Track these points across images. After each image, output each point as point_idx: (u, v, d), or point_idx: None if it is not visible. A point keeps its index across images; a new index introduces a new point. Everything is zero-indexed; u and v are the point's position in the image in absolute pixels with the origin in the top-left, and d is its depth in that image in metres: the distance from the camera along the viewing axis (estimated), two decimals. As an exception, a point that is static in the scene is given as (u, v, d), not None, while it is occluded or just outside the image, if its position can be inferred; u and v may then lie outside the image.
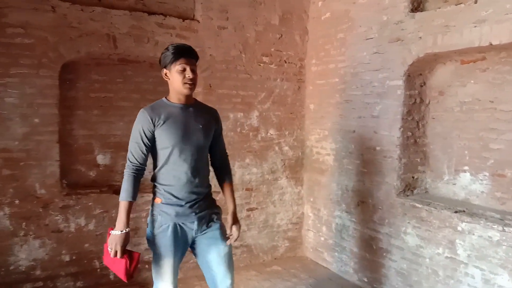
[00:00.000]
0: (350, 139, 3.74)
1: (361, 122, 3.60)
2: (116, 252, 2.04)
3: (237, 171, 3.94)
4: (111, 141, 3.66)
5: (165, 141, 2.12)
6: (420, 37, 3.03)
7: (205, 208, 2.23)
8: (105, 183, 3.63)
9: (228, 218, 2.35)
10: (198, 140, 2.17)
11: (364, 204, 3.59)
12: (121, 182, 3.78)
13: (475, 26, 2.65)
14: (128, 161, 2.19)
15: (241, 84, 3.92)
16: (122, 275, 2.09)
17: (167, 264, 2.15)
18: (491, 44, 2.58)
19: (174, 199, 2.15)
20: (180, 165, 2.14)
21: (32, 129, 3.06)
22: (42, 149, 3.11)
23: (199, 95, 3.78)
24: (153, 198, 2.23)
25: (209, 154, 2.35)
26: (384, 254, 3.40)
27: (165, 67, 2.13)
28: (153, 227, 2.19)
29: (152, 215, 2.21)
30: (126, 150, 3.70)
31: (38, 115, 3.07)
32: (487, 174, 3.00)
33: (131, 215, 3.52)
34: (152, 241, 2.20)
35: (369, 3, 3.49)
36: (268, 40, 4.02)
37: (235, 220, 2.35)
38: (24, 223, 3.09)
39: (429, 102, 3.37)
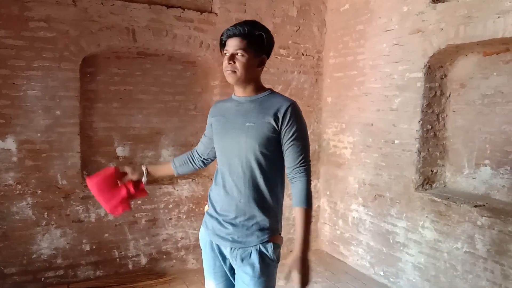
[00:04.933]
0: (368, 132, 3.71)
1: (380, 115, 3.57)
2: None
3: (254, 163, 3.95)
4: (131, 134, 3.71)
5: (214, 140, 1.87)
6: (442, 29, 2.97)
7: (245, 235, 1.72)
8: (124, 174, 3.69)
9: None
10: (240, 141, 1.71)
11: (381, 197, 3.57)
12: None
13: (498, 17, 2.59)
14: None
15: (259, 77, 3.91)
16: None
17: (211, 285, 1.90)
18: (515, 35, 2.52)
19: (214, 212, 1.82)
20: (222, 171, 1.80)
21: (55, 121, 3.12)
22: (64, 141, 3.17)
23: (217, 87, 3.80)
24: None
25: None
26: (401, 248, 3.37)
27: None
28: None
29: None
30: (145, 143, 3.83)
31: (60, 108, 3.13)
32: (509, 168, 2.94)
33: (149, 206, 3.58)
34: None
35: (389, -6, 3.44)
36: (286, 32, 4.00)
37: (296, 262, 1.62)
38: (46, 213, 3.16)
39: (449, 94, 3.31)
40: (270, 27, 3.88)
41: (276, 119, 1.68)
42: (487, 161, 3.08)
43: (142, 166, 2.01)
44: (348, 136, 3.96)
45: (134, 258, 3.53)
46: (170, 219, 3.64)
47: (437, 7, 3.02)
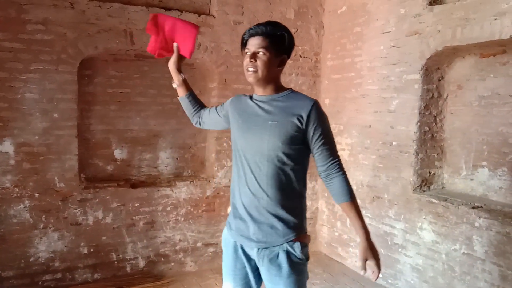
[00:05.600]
0: (366, 134, 3.72)
1: (378, 117, 3.57)
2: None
3: (252, 165, 3.96)
4: (128, 136, 3.71)
5: (233, 136, 1.86)
6: (439, 31, 2.98)
7: (270, 234, 1.71)
8: (122, 177, 3.68)
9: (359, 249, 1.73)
10: (263, 140, 1.70)
11: (379, 199, 3.57)
12: (138, 177, 3.86)
13: (495, 19, 2.60)
14: None
15: (256, 79, 3.91)
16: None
17: (228, 287, 1.88)
18: (511, 37, 2.52)
19: (237, 212, 1.80)
20: (241, 171, 1.79)
21: (52, 124, 3.12)
22: (61, 144, 3.17)
23: (215, 90, 3.80)
24: None
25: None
26: (400, 249, 3.38)
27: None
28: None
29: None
30: (143, 145, 3.83)
31: (57, 110, 3.12)
32: (506, 169, 2.95)
33: (147, 208, 3.55)
34: None
35: (386, -4, 3.46)
36: (284, 34, 4.01)
37: (365, 251, 1.69)
38: (43, 216, 3.16)
39: (447, 96, 3.32)
40: (267, 29, 3.90)
41: (300, 118, 1.69)
42: (484, 163, 3.09)
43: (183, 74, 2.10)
44: (346, 138, 3.97)
45: (132, 261, 3.52)
46: (168, 221, 3.63)
47: (434, 9, 3.03)
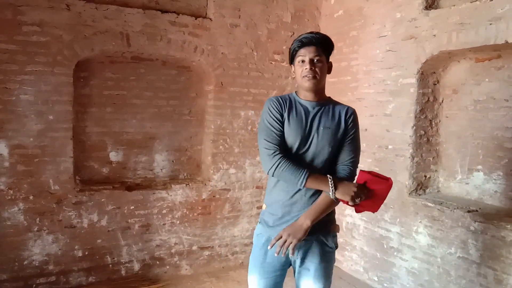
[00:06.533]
0: (362, 138, 3.67)
1: (374, 121, 3.58)
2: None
3: (248, 169, 3.96)
4: (124, 138, 3.69)
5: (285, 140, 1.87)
6: (435, 35, 3.00)
7: (311, 229, 1.80)
8: (118, 179, 3.66)
9: None
10: (318, 144, 1.82)
11: (375, 203, 3.57)
12: (134, 179, 3.84)
13: (490, 24, 2.62)
14: (267, 156, 1.81)
15: (253, 82, 3.92)
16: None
17: (253, 280, 1.95)
18: (507, 42, 2.54)
19: (275, 209, 1.90)
20: None
21: (47, 126, 3.10)
22: (56, 146, 3.15)
23: (211, 92, 3.80)
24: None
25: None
26: (395, 253, 3.38)
27: (291, 63, 1.89)
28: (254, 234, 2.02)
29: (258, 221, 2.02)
30: (139, 148, 3.80)
31: (53, 112, 3.11)
32: (501, 173, 2.96)
33: (143, 211, 3.57)
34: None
35: (383, 0, 3.47)
36: (280, 37, 4.02)
37: (291, 228, 1.77)
38: (38, 219, 3.13)
39: (442, 100, 3.34)
40: (264, 32, 3.92)
41: (344, 123, 1.87)
42: (479, 167, 3.11)
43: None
44: (342, 141, 3.96)
45: (127, 264, 3.50)
46: (164, 224, 3.62)
47: (430, 14, 3.05)
